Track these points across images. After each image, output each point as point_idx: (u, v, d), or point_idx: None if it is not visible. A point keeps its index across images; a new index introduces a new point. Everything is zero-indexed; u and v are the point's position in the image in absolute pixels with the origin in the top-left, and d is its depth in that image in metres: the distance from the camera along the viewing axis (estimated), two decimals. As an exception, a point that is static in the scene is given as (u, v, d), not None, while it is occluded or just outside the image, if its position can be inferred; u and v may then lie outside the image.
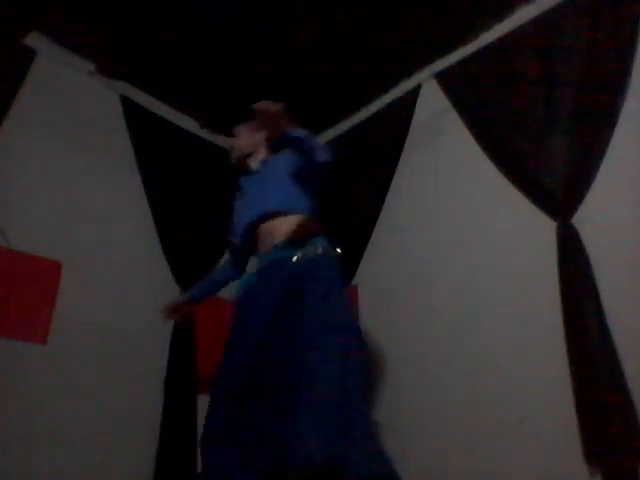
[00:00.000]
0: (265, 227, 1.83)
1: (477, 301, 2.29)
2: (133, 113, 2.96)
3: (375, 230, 2.87)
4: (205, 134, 3.35)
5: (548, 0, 2.38)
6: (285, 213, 1.81)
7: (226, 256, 2.24)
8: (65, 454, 2.22)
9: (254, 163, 2.05)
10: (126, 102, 2.96)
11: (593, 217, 2.02)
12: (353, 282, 2.81)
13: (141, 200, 2.86)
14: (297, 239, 1.75)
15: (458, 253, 2.44)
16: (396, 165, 2.86)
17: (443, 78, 2.77)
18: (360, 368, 1.60)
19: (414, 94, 2.90)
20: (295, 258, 1.70)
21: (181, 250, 2.90)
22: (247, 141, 2.08)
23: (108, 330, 2.50)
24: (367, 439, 1.44)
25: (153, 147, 2.98)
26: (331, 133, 3.31)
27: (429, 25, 2.63)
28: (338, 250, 1.79)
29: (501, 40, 2.54)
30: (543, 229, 2.12)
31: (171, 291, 2.82)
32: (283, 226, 1.78)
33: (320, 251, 1.73)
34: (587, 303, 1.88)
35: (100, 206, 2.70)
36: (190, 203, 3.02)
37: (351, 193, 3.01)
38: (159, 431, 2.51)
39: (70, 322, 2.37)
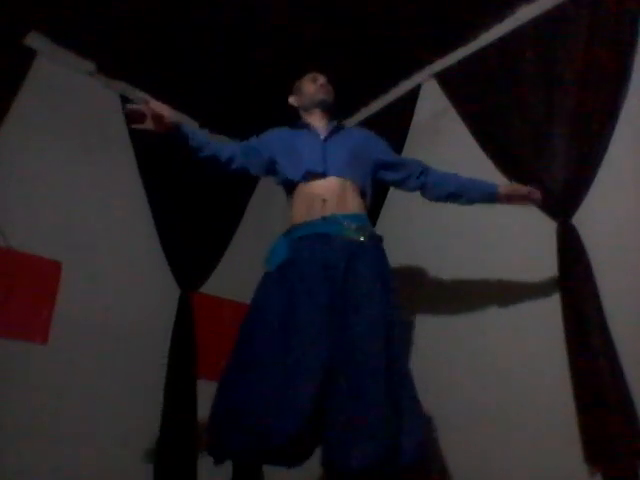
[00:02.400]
0: (325, 187, 1.76)
1: (477, 301, 2.29)
2: (133, 113, 2.96)
3: (375, 230, 2.86)
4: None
5: (548, 0, 2.38)
6: (355, 189, 1.80)
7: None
8: (65, 454, 2.22)
9: (321, 123, 2.00)
10: (126, 102, 2.95)
11: (593, 217, 2.02)
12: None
13: (141, 200, 2.86)
14: (351, 214, 1.73)
15: (458, 253, 2.44)
16: (396, 165, 2.86)
17: (443, 78, 2.76)
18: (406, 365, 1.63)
19: (414, 94, 2.90)
20: (356, 237, 1.68)
21: (181, 250, 2.90)
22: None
23: (108, 330, 2.51)
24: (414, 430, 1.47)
25: (153, 147, 2.98)
26: (331, 133, 3.31)
27: (429, 25, 2.62)
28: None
29: (501, 40, 2.54)
30: (543, 229, 2.12)
31: (171, 291, 2.83)
32: (349, 200, 1.76)
33: (374, 233, 1.77)
34: (587, 303, 1.88)
35: (100, 206, 2.70)
36: (190, 203, 3.02)
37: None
38: (159, 431, 2.50)
39: (70, 322, 2.37)
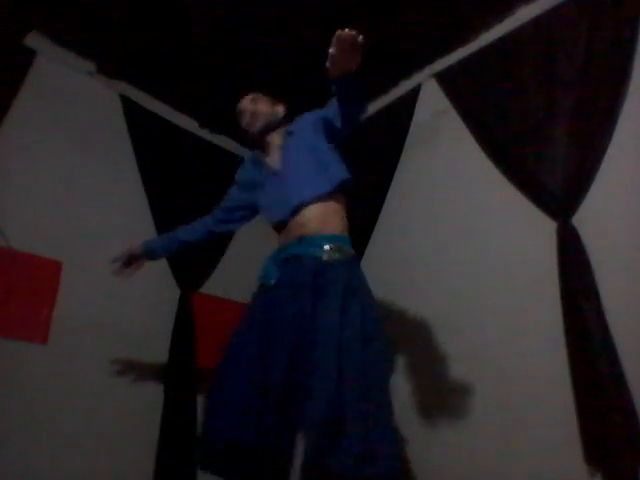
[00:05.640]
0: (304, 212, 1.75)
1: (477, 301, 2.29)
2: (133, 113, 2.96)
3: (375, 230, 2.87)
4: (205, 134, 3.36)
5: (548, 0, 2.38)
6: (328, 201, 1.78)
7: (206, 217, 2.16)
8: (65, 454, 2.22)
9: (278, 141, 1.94)
10: (126, 102, 2.96)
11: (593, 217, 2.02)
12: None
13: (141, 200, 2.86)
14: (327, 235, 1.71)
15: (458, 253, 2.44)
16: (396, 165, 2.86)
17: (443, 78, 2.77)
18: (384, 379, 1.61)
19: (414, 94, 2.90)
20: (326, 257, 1.66)
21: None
22: (268, 110, 2.00)
23: (108, 330, 2.50)
24: (384, 440, 1.45)
25: (153, 147, 2.98)
26: (331, 133, 3.31)
27: (429, 25, 2.63)
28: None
29: (501, 40, 2.54)
30: (543, 229, 2.12)
31: (171, 291, 2.83)
32: (327, 220, 1.74)
33: (348, 253, 1.72)
34: (587, 303, 1.88)
35: (100, 206, 2.70)
36: (190, 203, 3.01)
37: (351, 193, 3.00)
38: (159, 431, 2.51)
39: (70, 322, 2.37)
